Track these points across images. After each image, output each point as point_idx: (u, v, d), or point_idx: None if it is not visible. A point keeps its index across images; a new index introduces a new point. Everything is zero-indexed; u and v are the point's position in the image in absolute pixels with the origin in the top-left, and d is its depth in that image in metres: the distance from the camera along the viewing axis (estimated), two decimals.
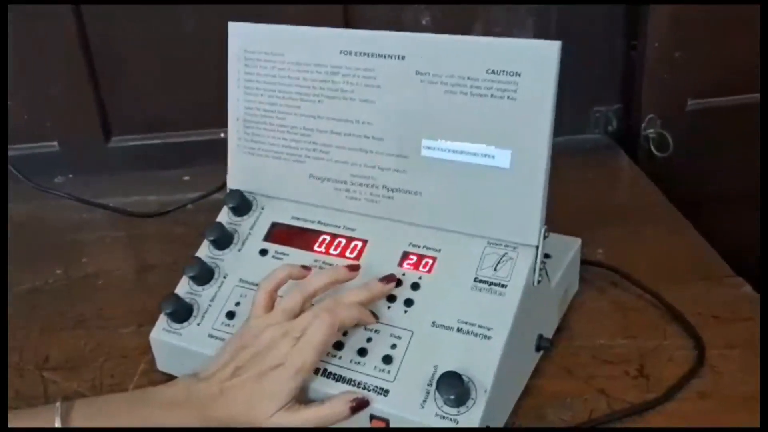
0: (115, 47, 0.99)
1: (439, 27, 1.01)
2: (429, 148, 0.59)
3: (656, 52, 1.00)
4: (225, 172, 0.70)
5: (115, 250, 0.88)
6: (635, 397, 0.59)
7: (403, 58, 0.58)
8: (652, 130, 1.03)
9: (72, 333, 0.72)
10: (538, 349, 0.61)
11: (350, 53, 0.60)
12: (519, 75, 0.54)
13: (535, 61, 0.53)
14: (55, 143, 1.04)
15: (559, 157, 1.01)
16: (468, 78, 0.56)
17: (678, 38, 0.99)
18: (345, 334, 0.57)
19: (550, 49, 0.53)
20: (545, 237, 0.56)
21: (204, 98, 0.99)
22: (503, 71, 0.54)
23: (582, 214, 0.88)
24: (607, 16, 1.03)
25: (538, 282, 0.57)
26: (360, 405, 0.53)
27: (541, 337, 0.60)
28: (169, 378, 0.59)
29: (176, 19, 0.98)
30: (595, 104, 1.07)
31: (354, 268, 0.58)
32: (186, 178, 1.03)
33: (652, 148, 1.02)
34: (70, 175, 1.06)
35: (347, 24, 0.98)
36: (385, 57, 0.59)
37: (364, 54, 0.60)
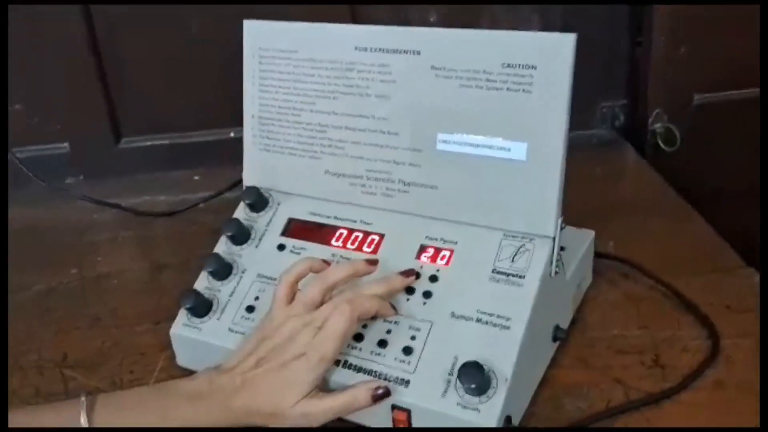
0: (124, 48, 1.00)
1: (445, 25, 1.01)
2: (444, 141, 0.59)
3: (662, 48, 1.01)
4: (235, 171, 0.71)
5: (128, 250, 0.89)
6: (651, 386, 0.60)
7: (418, 53, 0.59)
8: (659, 125, 1.04)
9: (88, 332, 0.73)
10: (554, 339, 0.61)
11: (365, 49, 0.61)
12: (534, 68, 0.55)
13: (550, 54, 0.54)
14: (66, 145, 1.05)
15: (567, 152, 1.05)
16: (483, 72, 0.56)
17: (683, 33, 1.00)
18: (365, 326, 0.57)
19: (566, 42, 0.53)
20: (561, 228, 0.57)
21: (212, 98, 1.00)
22: (519, 64, 0.55)
23: (591, 208, 0.88)
24: (611, 12, 1.03)
25: (555, 273, 0.57)
26: (383, 394, 0.53)
27: (557, 327, 0.61)
28: (189, 373, 0.59)
29: (184, 19, 0.98)
30: (601, 100, 1.08)
31: (373, 263, 0.58)
32: (196, 178, 1.03)
33: (660, 142, 1.03)
34: (81, 177, 1.06)
35: (355, 23, 0.99)
36: (400, 52, 0.60)
37: (379, 50, 0.60)
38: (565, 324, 0.65)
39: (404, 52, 0.59)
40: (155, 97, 1.03)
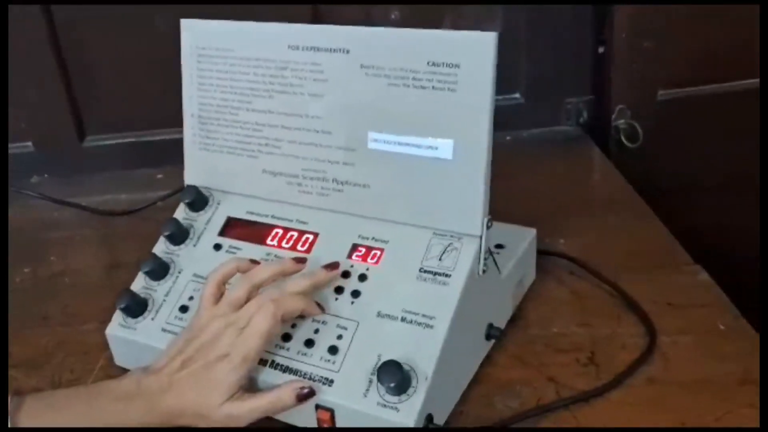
0: (87, 47, 1.00)
1: (408, 22, 1.01)
2: (375, 140, 0.59)
3: (625, 43, 1.00)
4: None
5: (84, 249, 0.89)
6: (585, 384, 0.60)
7: (348, 51, 0.59)
8: (622, 121, 1.03)
9: (35, 331, 0.73)
10: (488, 337, 0.61)
11: (297, 48, 0.61)
12: (458, 66, 0.54)
13: (473, 53, 0.54)
14: (30, 144, 1.05)
15: (531, 149, 1.06)
16: (410, 70, 0.56)
17: (647, 28, 1.00)
18: (294, 326, 0.57)
19: (487, 41, 0.53)
20: (489, 227, 0.57)
21: (177, 97, 1.00)
22: (443, 63, 0.55)
23: (548, 205, 0.89)
24: (576, 9, 1.03)
25: (484, 272, 0.57)
26: (307, 394, 0.54)
27: (491, 326, 0.61)
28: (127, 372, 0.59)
29: (147, 18, 0.98)
30: (566, 96, 1.07)
31: (300, 261, 0.58)
32: (159, 176, 1.03)
33: (623, 138, 1.03)
34: (46, 175, 1.06)
35: (318, 23, 0.99)
36: (331, 51, 0.60)
37: (311, 48, 0.60)
38: (502, 321, 0.65)
39: (334, 50, 0.59)
40: (120, 96, 1.03)
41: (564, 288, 0.72)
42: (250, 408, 0.53)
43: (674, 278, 0.72)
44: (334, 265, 0.58)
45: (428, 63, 0.55)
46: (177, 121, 1.04)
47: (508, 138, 1.06)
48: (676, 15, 0.99)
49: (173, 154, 1.05)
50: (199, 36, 0.66)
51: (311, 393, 0.53)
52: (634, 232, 0.82)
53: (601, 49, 1.02)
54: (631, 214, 0.86)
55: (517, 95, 1.06)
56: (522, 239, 0.68)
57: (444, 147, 0.56)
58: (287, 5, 0.97)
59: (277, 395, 0.54)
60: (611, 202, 0.90)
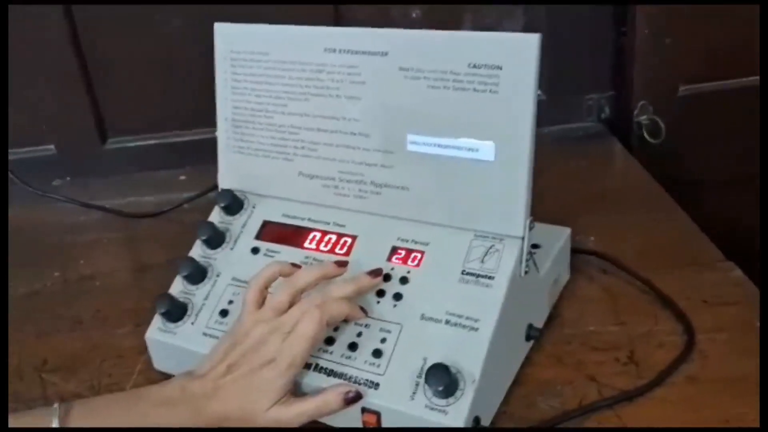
0: (108, 48, 0.99)
1: (428, 20, 1.01)
2: (414, 143, 0.59)
3: (646, 39, 1.00)
4: None
5: (112, 252, 0.89)
6: (625, 383, 0.60)
7: (386, 54, 0.59)
8: (644, 117, 1.03)
9: (69, 335, 0.73)
10: (528, 338, 0.61)
11: (334, 50, 0.61)
12: (500, 68, 0.55)
13: (515, 54, 0.54)
14: (52, 147, 1.05)
15: (552, 145, 1.05)
16: (450, 72, 0.56)
17: (668, 24, 0.99)
18: (336, 329, 0.58)
19: (530, 42, 0.53)
20: (531, 228, 0.57)
21: (198, 97, 0.98)
22: (484, 65, 0.55)
23: (574, 202, 0.89)
24: (596, 4, 1.03)
25: (525, 273, 0.57)
26: (354, 398, 0.54)
27: (530, 326, 0.61)
28: (167, 377, 0.60)
29: (167, 18, 0.98)
30: (587, 92, 1.07)
31: (342, 264, 0.58)
32: (182, 177, 1.03)
33: (645, 134, 1.02)
34: (68, 178, 1.06)
35: (338, 22, 0.99)
36: (368, 54, 0.60)
37: (348, 51, 0.60)
38: (540, 321, 0.65)
39: (372, 53, 0.59)
40: (141, 97, 1.03)
41: (597, 286, 0.73)
42: (298, 412, 0.53)
43: (707, 275, 0.72)
44: (377, 272, 0.58)
45: (469, 65, 0.55)
46: (199, 122, 1.05)
47: None
48: (697, 10, 0.99)
49: (195, 155, 1.06)
50: (232, 39, 0.66)
51: (358, 396, 0.54)
52: (663, 229, 0.82)
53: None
54: (659, 211, 0.86)
55: (538, 92, 1.05)
56: (557, 238, 0.68)
57: (485, 149, 0.56)
58: (307, 5, 0.96)
59: (323, 399, 0.54)
60: (638, 199, 0.90)
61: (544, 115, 1.05)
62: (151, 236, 0.91)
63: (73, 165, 1.05)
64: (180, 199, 0.94)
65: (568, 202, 0.88)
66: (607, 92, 1.07)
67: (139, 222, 0.94)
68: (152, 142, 1.06)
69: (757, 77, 1.02)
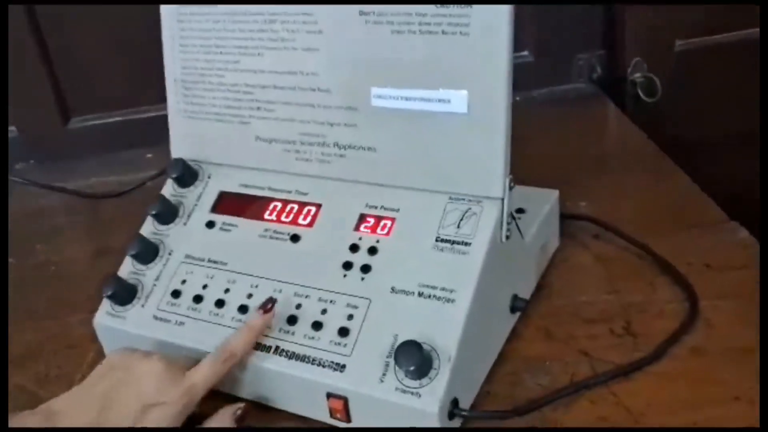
0: (66, 25, 0.94)
1: None
2: (379, 96, 0.53)
3: None
4: None
5: (71, 236, 0.84)
6: (621, 357, 0.54)
7: None
8: (638, 75, 0.97)
9: (21, 326, 0.67)
10: (512, 310, 0.56)
11: None
12: (470, 6, 0.48)
13: None
14: (14, 128, 0.99)
15: (542, 108, 0.99)
16: (416, 14, 0.50)
17: None
18: (299, 306, 0.52)
19: None
20: (511, 188, 0.51)
21: (162, 72, 0.94)
22: (453, 2, 0.49)
23: (566, 166, 0.83)
24: None
25: (507, 238, 0.51)
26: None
27: (515, 297, 0.55)
28: None
29: None
30: (577, 51, 1.01)
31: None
32: (149, 155, 0.97)
33: (640, 93, 0.96)
34: (32, 161, 1.01)
35: None
36: None
37: None
38: (526, 292, 0.59)
39: None
40: (104, 74, 0.97)
41: (589, 253, 0.67)
42: None
43: (710, 237, 0.66)
44: (268, 303, 0.51)
45: (437, 4, 0.49)
46: (163, 98, 0.98)
47: (518, 99, 0.98)
48: None
49: (162, 132, 0.99)
50: None
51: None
52: (661, 191, 0.76)
53: None
54: (656, 172, 0.80)
55: (525, 53, 0.99)
56: (544, 201, 0.62)
57: (457, 99, 0.50)
58: None
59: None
60: (633, 160, 0.84)
61: (532, 76, 1.01)
62: (113, 218, 0.86)
63: (36, 147, 1.00)
64: (145, 178, 0.88)
65: (560, 167, 0.82)
66: (599, 50, 1.00)
67: (102, 203, 0.88)
68: (117, 119, 1.00)
69: (756, 29, 0.96)
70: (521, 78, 0.98)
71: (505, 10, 0.47)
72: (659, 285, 0.61)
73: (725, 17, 0.96)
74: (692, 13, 0.95)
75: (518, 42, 1.06)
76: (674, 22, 0.96)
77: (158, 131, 0.97)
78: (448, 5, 0.49)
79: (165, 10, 0.61)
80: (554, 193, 0.64)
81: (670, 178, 0.78)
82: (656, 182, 0.78)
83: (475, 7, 0.48)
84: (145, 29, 0.91)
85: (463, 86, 0.50)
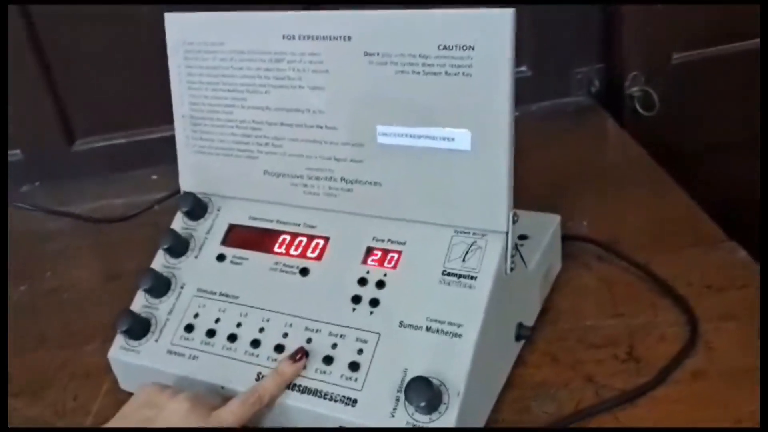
0: (69, 47, 0.94)
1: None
2: (385, 134, 0.54)
3: (636, 6, 0.95)
4: None
5: (81, 261, 0.85)
6: (625, 382, 0.56)
7: (349, 38, 0.54)
8: (636, 88, 0.98)
9: (34, 354, 0.69)
10: (518, 338, 0.57)
11: (293, 37, 0.56)
12: (473, 48, 0.49)
13: (488, 32, 0.49)
14: (18, 151, 1.00)
15: (540, 123, 1.00)
16: (419, 56, 0.51)
17: None
18: (309, 341, 0.53)
19: (504, 18, 0.48)
20: (515, 221, 0.52)
21: (167, 93, 0.95)
22: (455, 45, 0.50)
23: (565, 182, 0.84)
24: None
25: (512, 269, 0.53)
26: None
27: (520, 325, 0.57)
28: None
29: (130, 14, 0.93)
30: (575, 65, 1.02)
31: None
32: (154, 177, 0.99)
33: (638, 106, 0.98)
34: (37, 183, 1.02)
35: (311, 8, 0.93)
36: (330, 39, 0.54)
37: (308, 37, 0.55)
38: (531, 318, 0.61)
39: (334, 38, 0.54)
40: (108, 95, 0.98)
41: (592, 275, 0.68)
42: None
43: (709, 257, 0.68)
44: (299, 353, 0.52)
45: (439, 47, 0.50)
46: (168, 119, 0.99)
47: (517, 113, 1.00)
48: None
49: (167, 153, 1.00)
50: (185, 30, 0.61)
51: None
52: (659, 208, 0.78)
53: None
54: (655, 188, 0.81)
55: (523, 68, 1.00)
56: (546, 228, 0.63)
57: (461, 138, 0.51)
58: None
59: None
60: (632, 176, 0.85)
61: (531, 91, 1.02)
62: (122, 241, 0.86)
63: (41, 169, 1.01)
64: (151, 201, 0.89)
65: (559, 184, 0.84)
66: (596, 64, 1.02)
67: (109, 227, 0.89)
68: (121, 141, 1.01)
69: (753, 41, 0.97)
70: (520, 93, 1.00)
71: (507, 52, 0.48)
72: (661, 307, 0.63)
73: (722, 29, 0.98)
74: (689, 26, 0.96)
75: (516, 56, 1.07)
76: (671, 35, 0.97)
77: (163, 152, 0.99)
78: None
79: (171, 43, 0.62)
80: (556, 219, 0.65)
81: (668, 195, 0.79)
82: (655, 199, 0.80)
83: (478, 48, 0.49)
84: (149, 49, 0.93)
85: (466, 125, 0.51)
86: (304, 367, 0.52)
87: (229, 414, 0.49)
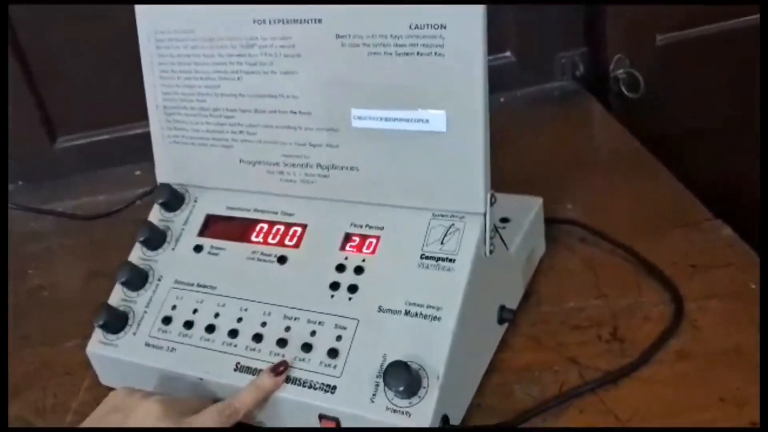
0: (49, 45, 0.94)
1: None
2: (359, 118, 0.53)
3: None
4: None
5: (63, 259, 0.84)
6: (609, 363, 0.55)
7: (320, 21, 0.53)
8: (621, 71, 0.97)
9: (16, 353, 0.68)
10: (501, 321, 0.56)
11: (264, 21, 0.55)
12: (444, 27, 0.49)
13: (459, 10, 0.48)
14: None
15: (526, 109, 1.00)
16: (391, 36, 0.50)
17: None
18: (288, 329, 0.52)
19: None
20: (492, 202, 0.51)
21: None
22: (427, 24, 0.49)
23: (550, 167, 0.83)
24: None
25: (491, 252, 0.52)
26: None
27: (503, 308, 0.56)
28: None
29: (108, 10, 0.92)
30: (559, 50, 1.01)
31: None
32: (137, 173, 0.97)
33: (623, 89, 0.97)
34: (20, 182, 1.01)
35: None
36: (301, 22, 0.54)
37: (279, 21, 0.54)
38: (514, 302, 0.60)
39: (305, 21, 0.53)
40: (89, 92, 0.97)
41: (576, 257, 0.67)
42: None
43: (694, 237, 0.67)
44: (281, 367, 0.50)
45: (411, 26, 0.49)
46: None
47: (501, 99, 1.00)
48: None
49: (150, 148, 0.99)
50: (155, 20, 0.60)
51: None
52: (645, 190, 0.77)
53: None
54: (640, 170, 0.80)
55: (507, 54, 1.00)
56: (528, 210, 0.63)
57: (436, 119, 0.51)
58: None
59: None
60: (617, 159, 0.85)
61: (515, 77, 1.01)
62: (105, 239, 0.86)
63: (24, 168, 1.00)
64: (134, 196, 0.88)
65: (546, 167, 0.83)
66: (581, 48, 1.01)
67: (92, 224, 0.88)
68: (104, 137, 1.00)
69: (737, 20, 0.96)
70: (504, 78, 1.01)
71: (479, 29, 0.48)
72: (645, 288, 0.62)
73: (705, 10, 0.97)
74: (672, 8, 0.96)
75: (500, 42, 1.06)
76: (655, 17, 0.96)
77: (146, 148, 0.96)
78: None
79: (142, 34, 0.61)
80: (538, 201, 0.64)
81: (654, 177, 0.79)
82: (640, 181, 0.79)
83: (449, 27, 0.48)
84: (129, 45, 0.92)
85: (440, 105, 0.50)
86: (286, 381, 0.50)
87: (202, 423, 0.48)
